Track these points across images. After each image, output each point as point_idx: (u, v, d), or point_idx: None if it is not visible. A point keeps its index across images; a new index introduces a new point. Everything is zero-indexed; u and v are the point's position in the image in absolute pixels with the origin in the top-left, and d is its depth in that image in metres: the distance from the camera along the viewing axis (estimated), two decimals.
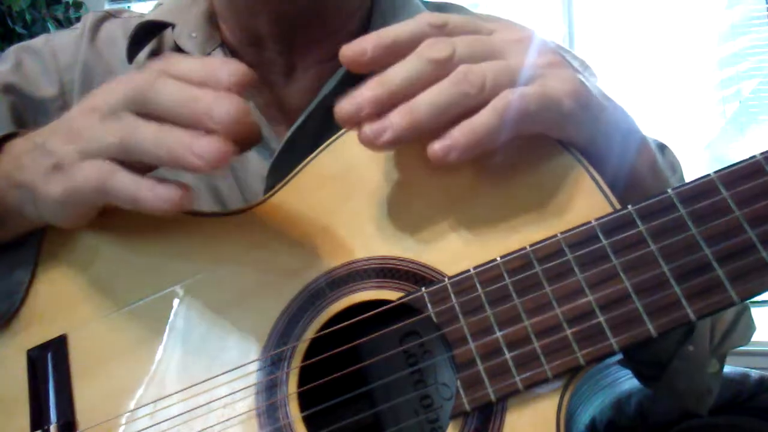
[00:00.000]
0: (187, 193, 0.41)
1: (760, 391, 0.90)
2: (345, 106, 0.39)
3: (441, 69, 0.39)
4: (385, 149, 0.40)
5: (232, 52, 0.61)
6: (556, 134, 0.41)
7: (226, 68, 0.40)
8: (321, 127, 0.56)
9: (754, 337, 0.60)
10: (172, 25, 0.61)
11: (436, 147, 0.39)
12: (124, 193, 0.41)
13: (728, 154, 2.22)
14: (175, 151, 0.39)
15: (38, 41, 0.66)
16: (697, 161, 2.23)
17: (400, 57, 0.40)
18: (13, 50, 0.65)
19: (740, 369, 0.92)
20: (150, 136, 0.40)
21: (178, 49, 0.61)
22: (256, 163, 0.57)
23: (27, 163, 0.46)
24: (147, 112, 0.41)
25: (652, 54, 2.32)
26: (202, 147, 0.38)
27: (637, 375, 0.63)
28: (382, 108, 0.39)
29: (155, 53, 0.62)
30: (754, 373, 0.92)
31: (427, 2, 0.65)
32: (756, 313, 0.58)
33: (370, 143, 0.39)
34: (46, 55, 0.64)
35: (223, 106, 0.38)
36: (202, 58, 0.42)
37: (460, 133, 0.39)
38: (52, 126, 0.47)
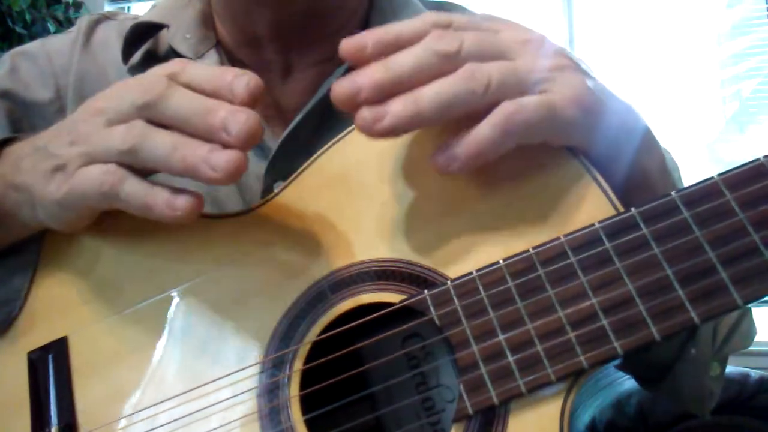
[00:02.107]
0: (200, 202, 0.41)
1: (760, 391, 0.90)
2: (344, 85, 0.38)
3: (447, 63, 0.38)
4: (382, 137, 0.38)
5: (228, 52, 0.61)
6: (560, 142, 0.41)
7: (241, 80, 0.40)
8: (318, 127, 0.56)
9: (755, 338, 0.60)
10: (167, 27, 0.61)
11: (438, 159, 0.39)
12: (135, 200, 0.41)
13: (728, 154, 2.22)
14: (191, 162, 0.39)
15: (34, 45, 0.66)
16: (697, 161, 2.23)
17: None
18: (8, 55, 0.65)
19: (740, 369, 0.92)
20: (164, 145, 0.40)
21: (172, 51, 0.61)
22: (253, 163, 0.57)
23: (26, 166, 0.46)
24: (158, 119, 0.41)
25: (653, 54, 2.32)
26: (219, 160, 0.39)
27: (637, 378, 0.63)
28: (382, 94, 0.38)
29: (150, 54, 0.62)
30: (754, 373, 0.92)
31: (427, 2, 0.65)
32: (756, 313, 0.58)
33: (366, 128, 0.38)
34: (41, 59, 0.64)
35: (240, 121, 0.39)
36: (214, 67, 0.42)
37: (460, 146, 0.38)
38: (53, 129, 0.47)
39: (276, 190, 0.48)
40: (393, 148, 0.45)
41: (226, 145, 0.39)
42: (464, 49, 0.39)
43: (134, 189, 0.41)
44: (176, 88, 0.41)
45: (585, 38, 2.41)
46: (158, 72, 0.42)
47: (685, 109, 2.29)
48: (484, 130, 0.38)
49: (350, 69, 0.58)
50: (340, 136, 0.47)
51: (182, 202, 0.41)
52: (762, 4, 2.25)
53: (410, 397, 0.47)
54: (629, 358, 0.58)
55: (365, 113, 0.38)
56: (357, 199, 0.45)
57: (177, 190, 0.41)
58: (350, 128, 0.46)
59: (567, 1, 2.42)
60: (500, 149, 0.39)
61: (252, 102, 0.40)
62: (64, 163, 0.43)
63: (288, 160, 0.54)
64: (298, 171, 0.48)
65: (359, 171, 0.46)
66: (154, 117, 0.41)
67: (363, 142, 0.46)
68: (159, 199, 0.41)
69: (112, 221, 0.48)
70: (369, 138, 0.39)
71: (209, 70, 0.42)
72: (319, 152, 0.47)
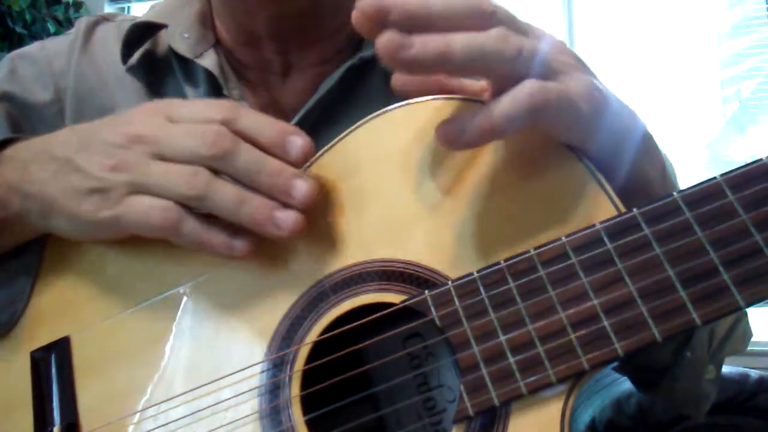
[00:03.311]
0: (252, 245, 0.44)
1: (760, 391, 0.90)
2: (371, 2, 0.36)
3: (481, 20, 0.37)
4: (401, 67, 0.36)
5: (227, 52, 0.61)
6: (567, 136, 0.41)
7: (296, 140, 0.43)
8: (316, 127, 0.56)
9: (754, 337, 0.60)
10: (165, 26, 0.61)
11: (447, 128, 0.38)
12: (193, 239, 0.43)
13: (728, 154, 2.22)
14: (257, 219, 0.42)
15: (34, 48, 0.67)
16: (697, 161, 2.23)
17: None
18: (8, 58, 0.66)
19: (740, 369, 0.92)
20: (231, 198, 0.42)
21: (171, 51, 0.60)
22: None
23: (42, 176, 0.46)
24: (223, 171, 0.43)
25: (653, 54, 2.32)
26: (283, 220, 0.42)
27: (634, 381, 0.63)
28: (411, 24, 0.36)
29: (149, 55, 0.62)
30: (754, 373, 0.92)
31: None
32: (756, 313, 0.58)
33: (390, 52, 0.35)
34: (40, 61, 0.64)
35: (303, 187, 0.42)
36: (268, 118, 0.44)
37: (475, 117, 0.37)
38: (74, 140, 0.47)
39: None
40: (394, 147, 0.45)
41: (286, 205, 0.42)
42: (499, 14, 0.38)
43: (193, 229, 0.43)
44: (241, 144, 0.42)
45: (585, 38, 2.41)
46: (211, 116, 0.43)
47: (685, 109, 2.29)
48: (504, 104, 0.37)
49: (350, 69, 0.58)
50: (340, 136, 0.47)
51: (239, 245, 0.43)
52: (762, 4, 2.24)
53: (412, 397, 0.47)
54: (628, 359, 0.58)
55: (391, 35, 0.35)
56: (358, 199, 0.45)
57: (233, 232, 0.43)
58: (351, 129, 0.46)
59: (567, 0, 2.42)
60: (514, 126, 0.37)
61: (302, 163, 0.43)
62: (107, 188, 0.44)
63: None
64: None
65: (359, 172, 0.45)
66: (220, 169, 0.43)
67: (364, 142, 0.46)
68: (217, 241, 0.43)
69: None
70: (389, 62, 0.36)
71: (264, 121, 0.44)
72: (319, 152, 0.47)
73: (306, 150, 0.43)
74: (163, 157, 0.43)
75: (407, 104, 0.45)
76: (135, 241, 0.48)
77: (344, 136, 0.46)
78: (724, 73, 2.26)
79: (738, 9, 2.27)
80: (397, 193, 0.44)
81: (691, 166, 2.17)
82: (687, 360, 0.53)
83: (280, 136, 0.43)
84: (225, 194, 0.42)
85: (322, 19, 0.59)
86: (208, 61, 0.59)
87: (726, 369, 0.85)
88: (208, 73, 0.59)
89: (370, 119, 0.46)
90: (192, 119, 0.44)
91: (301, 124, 0.56)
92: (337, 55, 0.60)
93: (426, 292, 0.41)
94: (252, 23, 0.58)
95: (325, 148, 0.47)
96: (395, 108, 0.45)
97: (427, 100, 0.44)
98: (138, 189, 0.44)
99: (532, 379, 0.37)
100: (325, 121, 0.56)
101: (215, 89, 0.59)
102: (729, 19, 2.28)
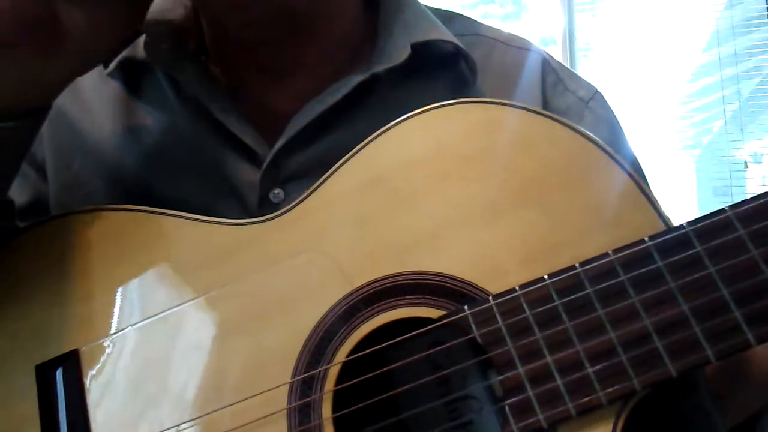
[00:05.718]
0: None
1: None
2: None
3: None
4: None
5: (219, 55, 0.59)
6: None
7: None
8: (315, 136, 0.54)
9: None
10: (145, 32, 0.59)
11: None
12: None
13: (728, 154, 2.22)
14: None
15: None
16: (697, 161, 2.23)
17: None
18: None
19: None
20: None
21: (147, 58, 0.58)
22: (246, 171, 0.55)
23: None
24: None
25: (652, 54, 2.31)
26: None
27: None
28: None
29: (128, 61, 0.59)
30: None
31: (436, 10, 0.63)
32: None
33: None
34: None
35: None
36: None
37: None
38: None
39: (299, 199, 0.47)
40: (427, 154, 0.44)
41: None
42: None
43: None
44: None
45: (585, 37, 2.40)
46: None
47: (685, 108, 2.29)
48: None
49: (363, 82, 0.55)
50: (363, 143, 0.45)
51: None
52: (762, 4, 2.24)
53: (440, 422, 0.45)
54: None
55: None
56: (387, 209, 0.44)
57: None
58: (374, 135, 0.45)
59: (567, 0, 2.41)
60: None
61: None
62: None
63: (283, 167, 0.53)
64: (321, 180, 0.46)
65: (387, 180, 0.44)
66: None
67: (394, 147, 0.44)
68: None
69: (128, 232, 0.47)
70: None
71: None
72: (341, 160, 0.46)
73: None
74: None
75: (431, 109, 0.44)
76: (153, 248, 0.47)
77: (367, 143, 0.45)
78: (723, 73, 2.26)
79: (738, 9, 2.27)
80: (430, 202, 0.43)
81: (692, 166, 2.17)
82: None
83: None
84: None
85: (315, 23, 0.56)
86: (186, 72, 0.57)
87: None
88: (190, 84, 0.57)
89: (395, 125, 0.45)
90: None
91: (300, 133, 0.54)
92: (336, 57, 0.58)
93: (466, 308, 0.39)
94: (225, 30, 0.56)
95: (349, 154, 0.45)
96: (421, 112, 0.44)
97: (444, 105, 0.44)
98: None
99: (581, 400, 0.36)
100: (324, 129, 0.54)
101: (194, 99, 0.57)
102: (729, 19, 2.27)
